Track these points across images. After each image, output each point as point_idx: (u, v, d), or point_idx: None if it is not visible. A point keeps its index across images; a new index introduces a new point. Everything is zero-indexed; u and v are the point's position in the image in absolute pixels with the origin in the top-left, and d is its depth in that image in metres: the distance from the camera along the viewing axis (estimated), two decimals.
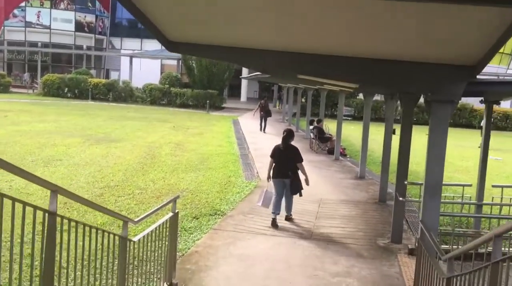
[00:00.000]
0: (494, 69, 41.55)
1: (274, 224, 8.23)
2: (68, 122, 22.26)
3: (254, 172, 13.23)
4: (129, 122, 23.98)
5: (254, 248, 7.13)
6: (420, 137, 24.32)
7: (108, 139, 17.65)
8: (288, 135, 8.69)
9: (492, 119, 22.92)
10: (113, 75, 48.25)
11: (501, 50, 39.01)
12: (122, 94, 38.43)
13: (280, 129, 26.19)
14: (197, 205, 9.38)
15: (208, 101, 34.64)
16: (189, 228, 7.92)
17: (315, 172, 13.71)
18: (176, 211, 5.32)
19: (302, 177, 8.61)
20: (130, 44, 51.54)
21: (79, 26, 49.80)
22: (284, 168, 8.47)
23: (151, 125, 23.34)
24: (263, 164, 14.41)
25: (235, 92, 50.40)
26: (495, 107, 35.92)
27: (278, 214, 8.43)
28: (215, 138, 19.87)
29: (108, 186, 10.59)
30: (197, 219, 8.49)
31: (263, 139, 20.22)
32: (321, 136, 17.70)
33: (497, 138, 23.95)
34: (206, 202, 9.68)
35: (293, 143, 8.83)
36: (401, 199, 7.31)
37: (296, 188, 8.46)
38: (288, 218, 8.64)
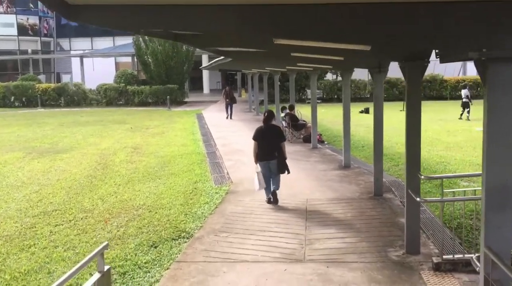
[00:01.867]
0: None
1: (270, 202, 8.54)
2: (10, 134, 19.80)
3: (224, 173, 11.39)
4: (81, 128, 21.67)
5: None
6: (394, 115, 22.91)
7: (54, 150, 15.44)
8: (270, 116, 8.84)
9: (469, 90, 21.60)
10: (65, 79, 45.21)
11: None
12: (75, 98, 35.73)
13: (248, 119, 24.53)
14: (156, 227, 7.48)
15: (168, 96, 32.41)
16: (145, 263, 6.02)
17: (294, 165, 11.91)
18: (106, 268, 3.41)
19: None
20: (80, 44, 48.60)
21: (22, 30, 46.45)
22: (269, 148, 8.52)
23: (106, 129, 21.10)
24: (233, 161, 12.60)
25: (197, 85, 48.16)
26: (462, 77, 34.97)
27: (271, 190, 8.61)
28: (178, 137, 17.89)
29: (45, 211, 8.53)
30: (156, 247, 6.59)
31: (230, 133, 18.35)
32: (295, 124, 15.96)
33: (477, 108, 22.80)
34: (167, 220, 7.78)
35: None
36: (418, 199, 5.59)
37: (282, 166, 8.57)
38: (275, 194, 8.61)
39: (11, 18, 45.89)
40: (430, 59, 5.60)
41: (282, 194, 9.18)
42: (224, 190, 9.67)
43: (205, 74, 44.45)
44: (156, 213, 8.24)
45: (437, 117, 21.08)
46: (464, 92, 20.83)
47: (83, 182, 10.85)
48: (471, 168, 10.88)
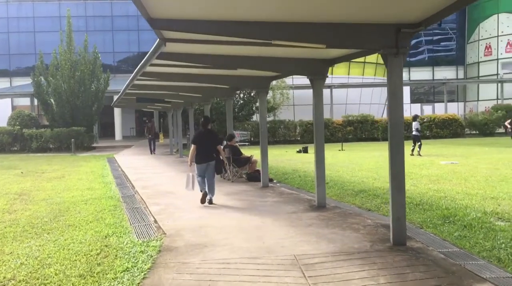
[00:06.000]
0: (370, 80, 40.43)
1: (205, 198, 8.97)
2: None
3: (151, 221, 7.74)
4: None
5: None
6: (337, 154, 19.88)
7: None
8: (206, 121, 9.40)
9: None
10: None
11: (377, 61, 37.08)
12: None
13: (170, 161, 20.77)
14: None
15: (73, 140, 27.76)
16: None
17: (250, 208, 8.62)
18: None
19: None
20: None
21: None
22: (208, 151, 9.15)
23: None
24: (162, 206, 8.97)
25: (108, 132, 43.45)
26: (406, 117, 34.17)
27: (205, 190, 9.05)
28: (83, 180, 13.79)
29: None
30: None
31: (152, 175, 14.60)
32: (237, 158, 12.64)
33: (429, 146, 21.14)
34: None
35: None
36: None
37: (219, 167, 9.67)
38: (211, 200, 8.99)
39: None
40: None
41: (251, 249, 5.78)
42: (155, 246, 6.04)
43: (117, 119, 40.05)
44: None
45: (386, 155, 18.86)
46: (414, 124, 18.85)
47: None
48: (491, 202, 8.21)
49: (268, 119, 33.73)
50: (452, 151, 19.73)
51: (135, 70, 10.47)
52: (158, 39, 6.74)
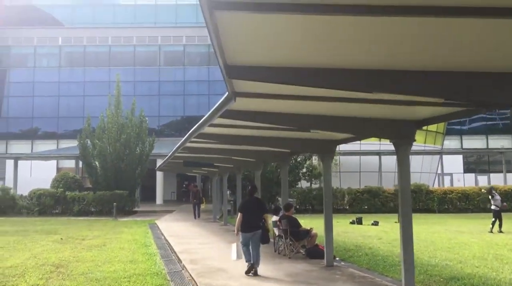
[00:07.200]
0: (420, 147, 38.65)
1: (251, 270, 8.76)
2: None
3: None
4: None
5: None
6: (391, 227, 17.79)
7: None
8: (253, 189, 9.37)
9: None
10: None
11: (435, 129, 35.37)
12: (1, 206, 29.51)
13: (215, 230, 19.51)
14: None
15: (115, 204, 27.03)
16: None
17: None
18: None
19: None
20: (18, 147, 43.08)
21: None
22: (256, 219, 8.96)
23: (26, 239, 15.51)
24: None
25: (149, 195, 42.74)
26: (449, 187, 31.95)
27: (251, 262, 8.80)
28: (125, 250, 12.66)
29: None
30: None
31: (198, 246, 13.35)
32: (296, 231, 11.25)
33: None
34: None
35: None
36: None
37: (266, 236, 9.14)
38: (256, 271, 8.76)
39: None
40: None
41: None
42: None
43: (159, 182, 39.47)
44: None
45: (455, 230, 17.01)
46: (494, 199, 17.02)
47: None
48: None
49: (315, 186, 32.30)
50: None
51: (190, 131, 9.57)
52: (227, 94, 5.75)
